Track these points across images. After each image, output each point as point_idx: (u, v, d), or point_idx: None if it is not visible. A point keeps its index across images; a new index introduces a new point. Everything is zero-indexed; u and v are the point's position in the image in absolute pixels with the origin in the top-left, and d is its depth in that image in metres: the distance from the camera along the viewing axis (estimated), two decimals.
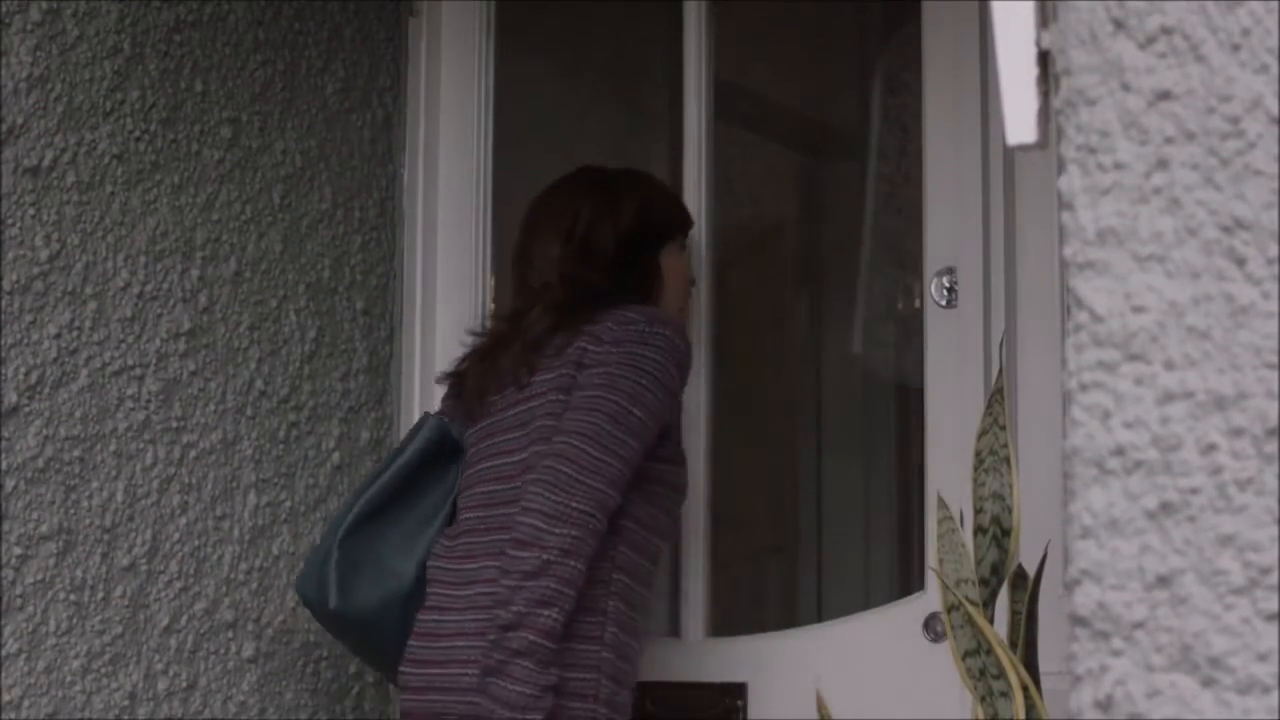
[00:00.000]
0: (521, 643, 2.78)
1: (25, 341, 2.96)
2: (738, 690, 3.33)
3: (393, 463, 3.18)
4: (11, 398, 2.93)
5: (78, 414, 3.04)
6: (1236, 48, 1.22)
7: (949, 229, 3.23)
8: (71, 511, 3.02)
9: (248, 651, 3.29)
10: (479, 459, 3.11)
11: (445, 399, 3.30)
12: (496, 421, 3.09)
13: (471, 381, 3.18)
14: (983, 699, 2.40)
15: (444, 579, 3.04)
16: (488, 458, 3.08)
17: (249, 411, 3.33)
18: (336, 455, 3.50)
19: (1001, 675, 2.36)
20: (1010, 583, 2.51)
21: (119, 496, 3.10)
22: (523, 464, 2.97)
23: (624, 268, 3.17)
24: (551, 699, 2.80)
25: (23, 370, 2.95)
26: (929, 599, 3.15)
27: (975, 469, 2.53)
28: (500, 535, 2.94)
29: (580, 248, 3.16)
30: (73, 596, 3.01)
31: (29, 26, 2.97)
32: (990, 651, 2.37)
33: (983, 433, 2.53)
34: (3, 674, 2.91)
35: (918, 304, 3.45)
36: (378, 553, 3.11)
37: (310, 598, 3.12)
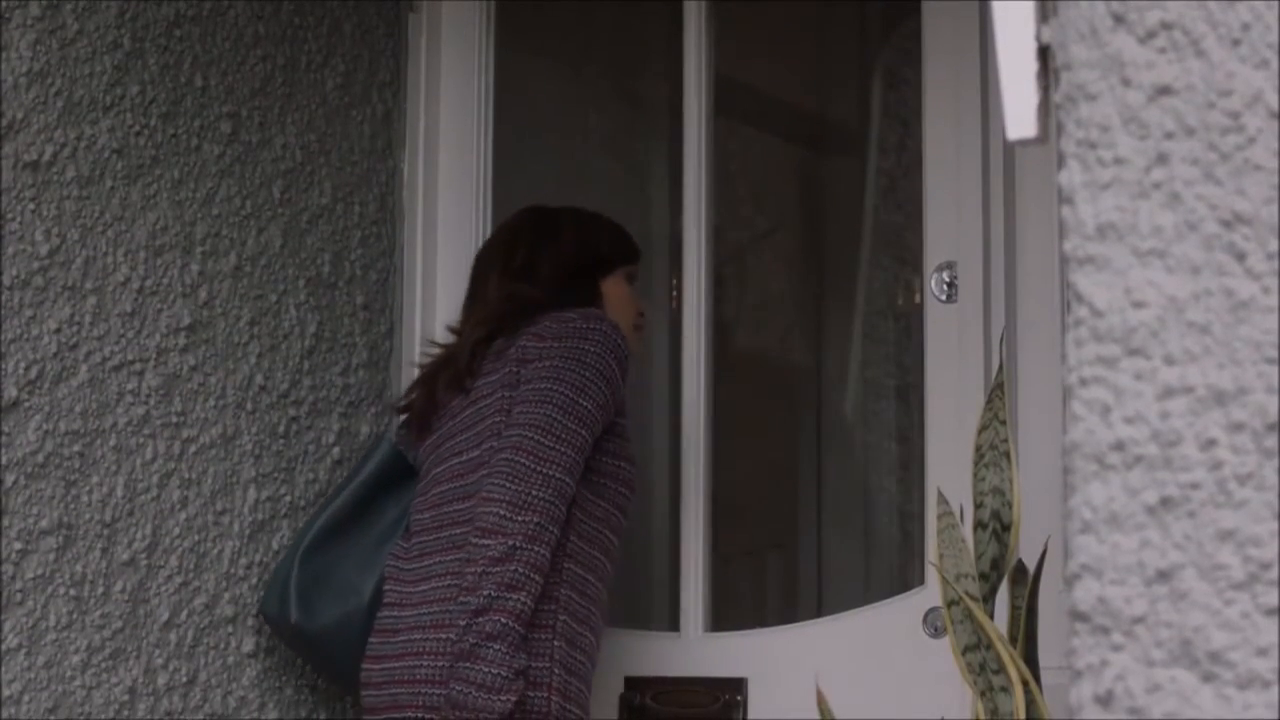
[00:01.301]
0: (494, 626, 2.81)
1: (25, 336, 2.96)
2: (738, 685, 3.33)
3: (350, 482, 3.27)
4: (11, 393, 2.93)
5: (78, 409, 3.04)
6: (1236, 43, 1.22)
7: (949, 224, 3.23)
8: (71, 506, 3.02)
9: (248, 646, 3.30)
10: (431, 468, 3.17)
11: (399, 429, 3.36)
12: (445, 431, 3.15)
13: (418, 403, 3.26)
14: (982, 694, 2.40)
15: (400, 577, 3.10)
16: (439, 463, 3.14)
17: (249, 406, 3.33)
18: (336, 450, 3.50)
19: (1001, 670, 2.36)
20: (1010, 578, 2.51)
21: (119, 491, 3.10)
22: (475, 461, 3.03)
23: (563, 288, 3.22)
24: (523, 682, 2.82)
25: (23, 365, 2.95)
26: (929, 594, 3.15)
27: (975, 464, 2.53)
28: (454, 530, 2.99)
29: (519, 273, 3.24)
30: (73, 591, 3.01)
31: (29, 21, 2.97)
32: (990, 646, 2.37)
33: (983, 428, 2.53)
34: (3, 669, 2.91)
35: (918, 299, 3.45)
36: (337, 570, 3.18)
37: (272, 614, 3.20)
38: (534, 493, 2.89)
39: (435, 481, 3.13)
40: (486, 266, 3.31)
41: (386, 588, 3.11)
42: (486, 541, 2.87)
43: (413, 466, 3.27)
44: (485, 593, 2.83)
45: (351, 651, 3.12)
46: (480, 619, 2.83)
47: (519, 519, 2.86)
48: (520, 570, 2.84)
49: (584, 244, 3.30)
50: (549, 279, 3.22)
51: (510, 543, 2.85)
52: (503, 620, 2.82)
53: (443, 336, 3.38)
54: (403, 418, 3.33)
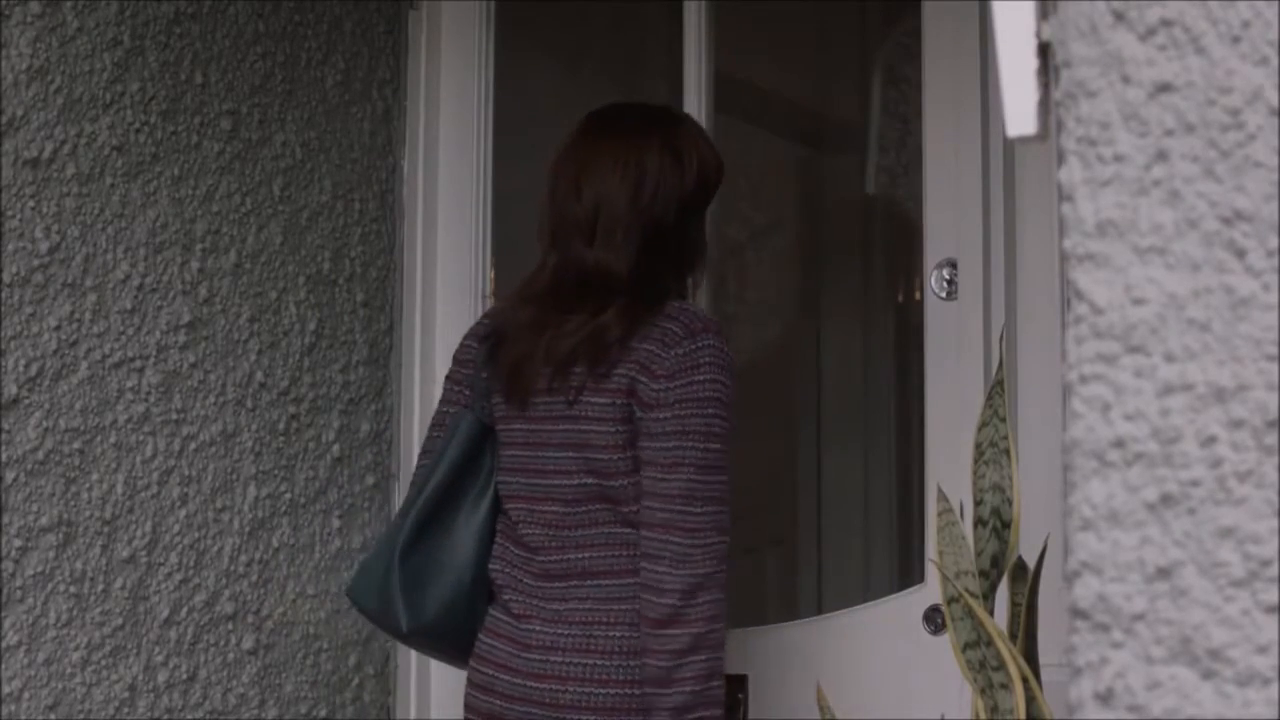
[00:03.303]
0: (710, 714, 2.78)
1: (25, 334, 2.96)
2: (738, 682, 3.33)
3: (437, 468, 3.03)
4: (11, 390, 2.93)
5: (78, 406, 3.04)
6: (1237, 40, 1.22)
7: (949, 221, 3.23)
8: (71, 504, 3.02)
9: (248, 643, 3.30)
10: (525, 467, 2.96)
11: (471, 344, 3.08)
12: (540, 430, 2.94)
13: (514, 359, 2.96)
14: (982, 691, 2.40)
15: (522, 589, 2.93)
16: (537, 471, 2.94)
17: (249, 404, 3.34)
18: (336, 447, 3.51)
19: (1001, 667, 2.36)
20: (1010, 575, 2.51)
21: (119, 489, 3.10)
22: (584, 491, 2.85)
23: (679, 246, 2.96)
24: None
25: (23, 362, 2.95)
26: (929, 591, 3.16)
27: (975, 461, 2.53)
28: (574, 554, 2.86)
29: (649, 215, 2.92)
30: (73, 589, 3.02)
31: (29, 18, 2.97)
32: (990, 643, 2.37)
33: (983, 425, 2.53)
34: (2, 666, 2.91)
35: (918, 296, 3.45)
36: (438, 562, 3.01)
37: (373, 615, 3.03)
38: (701, 571, 2.77)
39: (537, 496, 2.94)
40: (601, 171, 2.94)
41: (506, 596, 2.94)
42: (668, 633, 2.76)
43: (489, 431, 3.02)
44: (687, 690, 2.75)
45: (459, 635, 2.98)
46: (690, 717, 2.78)
47: (696, 603, 2.75)
48: (706, 657, 2.76)
49: (703, 179, 2.98)
50: (671, 233, 2.93)
51: (693, 630, 2.75)
52: (712, 712, 2.77)
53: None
54: (482, 373, 3.03)
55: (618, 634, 2.82)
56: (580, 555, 2.86)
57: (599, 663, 2.82)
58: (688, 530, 2.77)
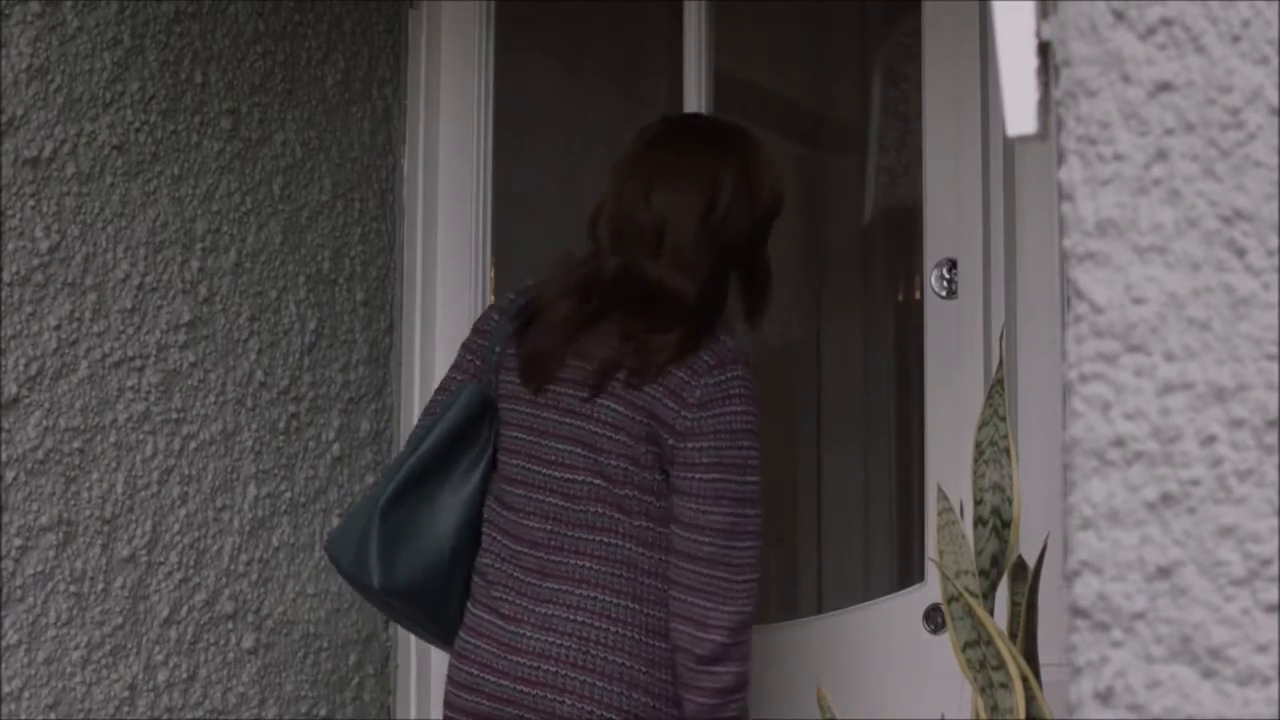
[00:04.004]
0: (738, 709, 2.80)
1: (25, 333, 2.96)
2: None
3: (432, 431, 2.98)
4: (11, 389, 2.93)
5: (78, 405, 3.04)
6: (1237, 39, 1.22)
7: (949, 220, 3.23)
8: (71, 503, 3.02)
9: (248, 643, 3.30)
10: (528, 452, 2.92)
11: (494, 316, 3.03)
12: (547, 418, 2.90)
13: (541, 347, 2.92)
14: (982, 690, 2.40)
15: (514, 586, 2.90)
16: (540, 459, 2.91)
17: (249, 403, 3.34)
18: (336, 446, 3.51)
19: (1001, 666, 2.36)
20: (1010, 574, 2.51)
21: (119, 488, 3.10)
22: (588, 489, 2.83)
23: (748, 273, 2.96)
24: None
25: (23, 361, 2.95)
26: (929, 590, 3.16)
27: (975, 460, 2.53)
28: (577, 560, 2.83)
29: (719, 237, 2.86)
30: (73, 588, 3.02)
31: (29, 18, 2.97)
32: (990, 643, 2.37)
33: (983, 424, 2.53)
34: (3, 665, 2.91)
35: (918, 295, 3.45)
36: (417, 523, 2.96)
37: (345, 568, 2.98)
38: (744, 609, 2.79)
39: (539, 484, 2.91)
40: (676, 185, 2.88)
41: (496, 594, 2.91)
42: (716, 670, 2.78)
43: (491, 405, 2.98)
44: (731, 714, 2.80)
45: (437, 603, 2.95)
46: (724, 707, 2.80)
47: (742, 639, 2.78)
48: (748, 672, 2.81)
49: (773, 207, 2.93)
50: (740, 254, 2.91)
51: (737, 669, 2.78)
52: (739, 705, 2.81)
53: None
54: (509, 349, 2.98)
55: (620, 660, 2.80)
56: (578, 561, 2.84)
57: (600, 685, 2.80)
58: (734, 566, 2.78)
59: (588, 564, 2.84)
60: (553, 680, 2.81)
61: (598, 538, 2.84)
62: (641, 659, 2.80)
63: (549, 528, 2.88)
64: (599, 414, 2.85)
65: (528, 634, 2.85)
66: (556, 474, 2.88)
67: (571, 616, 2.82)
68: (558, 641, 2.82)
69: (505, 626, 2.88)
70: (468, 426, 2.99)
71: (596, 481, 2.85)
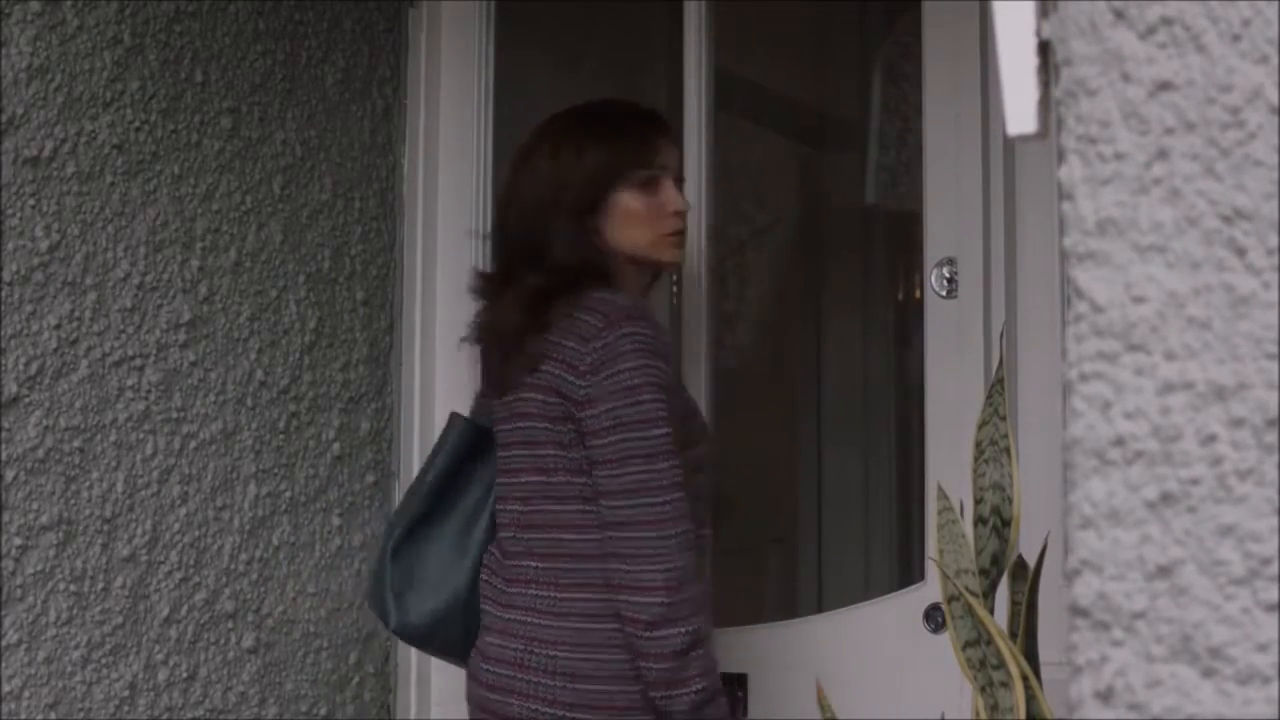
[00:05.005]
0: (719, 706, 2.77)
1: (25, 332, 2.96)
2: (738, 681, 3.33)
3: (429, 470, 3.06)
4: (12, 388, 2.93)
5: (78, 404, 3.04)
6: (1237, 38, 1.22)
7: (949, 219, 3.23)
8: (72, 502, 3.02)
9: (248, 642, 3.30)
10: (500, 469, 3.00)
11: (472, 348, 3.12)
12: (501, 429, 2.98)
13: (488, 362, 3.04)
14: (983, 689, 2.40)
15: (491, 596, 2.95)
16: (504, 471, 2.98)
17: (249, 402, 3.34)
18: (337, 446, 3.51)
19: (1002, 665, 2.36)
20: (1010, 573, 2.51)
21: (119, 487, 3.10)
22: (532, 488, 2.87)
23: (580, 232, 2.96)
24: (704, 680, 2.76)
25: (23, 361, 2.95)
26: (929, 589, 3.16)
27: (975, 459, 2.53)
28: (526, 561, 2.86)
29: (545, 206, 2.95)
30: (73, 587, 3.02)
31: (29, 17, 2.97)
32: (990, 642, 2.37)
33: (983, 423, 2.53)
34: (3, 665, 2.91)
35: (918, 294, 3.45)
36: (427, 563, 3.01)
37: (378, 613, 3.04)
38: (670, 564, 2.74)
39: (506, 495, 2.97)
40: (517, 174, 3.03)
41: (487, 606, 2.95)
42: (666, 633, 2.73)
43: (488, 434, 3.04)
44: (696, 685, 2.73)
45: (458, 639, 2.97)
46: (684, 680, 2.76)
47: (683, 597, 2.73)
48: (705, 628, 2.76)
49: (564, 187, 2.99)
50: (569, 222, 2.96)
51: (688, 626, 2.73)
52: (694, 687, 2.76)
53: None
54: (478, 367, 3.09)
55: (560, 654, 2.81)
56: (530, 563, 2.87)
57: (544, 681, 2.81)
58: (656, 523, 2.75)
59: (536, 564, 2.86)
60: (504, 683, 2.84)
61: (544, 535, 2.86)
62: (584, 646, 2.80)
63: (513, 534, 2.93)
64: (525, 408, 2.88)
65: (491, 640, 2.89)
66: (512, 480, 2.94)
67: (523, 619, 2.85)
68: (509, 644, 2.85)
69: (482, 636, 2.93)
70: (459, 464, 3.03)
71: (536, 479, 2.88)
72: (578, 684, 2.80)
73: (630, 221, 2.96)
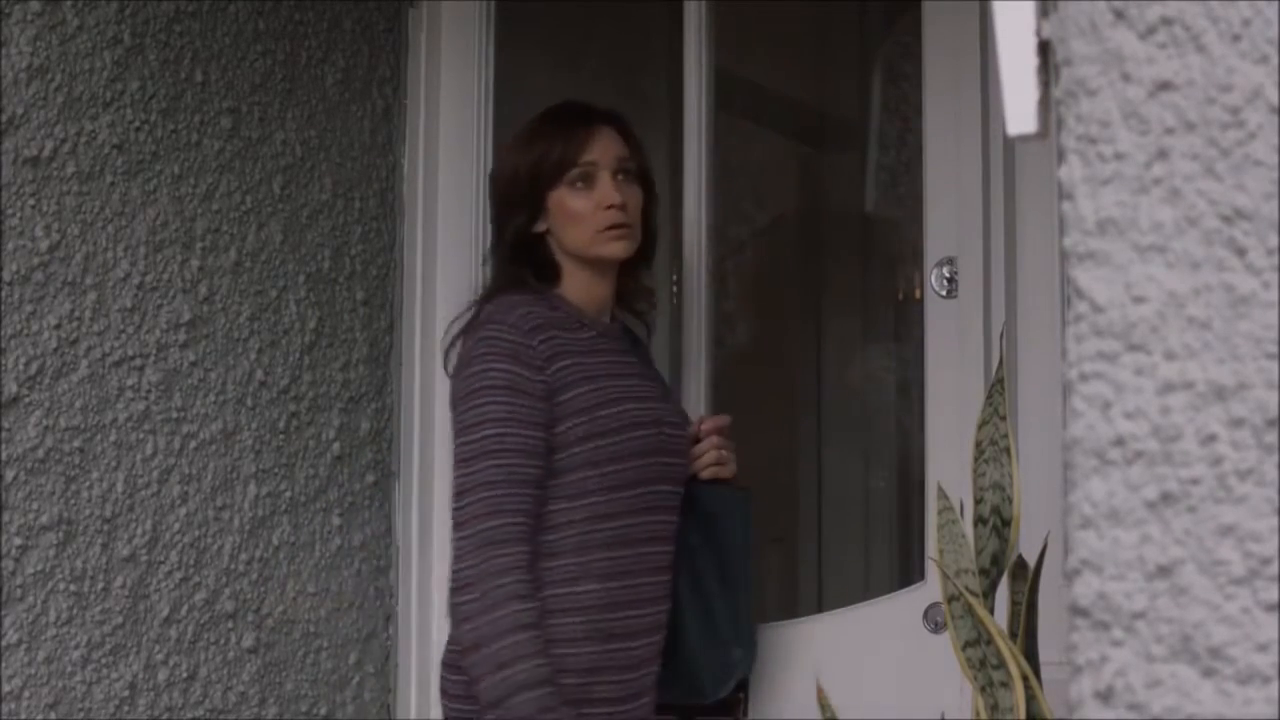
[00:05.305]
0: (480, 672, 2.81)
1: (25, 332, 2.96)
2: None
3: None
4: (11, 388, 2.93)
5: (78, 404, 3.04)
6: (1237, 38, 1.22)
7: (949, 219, 3.23)
8: (72, 502, 3.02)
9: (248, 642, 3.30)
10: None
11: None
12: None
13: None
14: (983, 689, 2.40)
15: None
16: None
17: (249, 402, 3.33)
18: (337, 445, 3.51)
19: (1002, 665, 2.36)
20: (1010, 573, 2.51)
21: (119, 487, 3.10)
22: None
23: (519, 238, 3.02)
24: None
25: (23, 361, 2.95)
26: (929, 589, 3.15)
27: (975, 459, 2.53)
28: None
29: (493, 216, 3.09)
30: (73, 587, 3.02)
31: (29, 16, 2.97)
32: (990, 642, 2.37)
33: (983, 423, 2.53)
34: (3, 665, 2.91)
35: (918, 294, 3.45)
36: None
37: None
38: (463, 565, 2.78)
39: None
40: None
41: None
42: (458, 630, 2.80)
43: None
44: (482, 684, 2.74)
45: None
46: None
47: (459, 600, 2.78)
48: (480, 633, 2.75)
49: (505, 171, 3.07)
50: (499, 234, 3.06)
51: (463, 628, 2.76)
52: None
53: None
54: None
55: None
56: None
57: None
58: (459, 524, 2.81)
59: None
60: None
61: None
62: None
63: None
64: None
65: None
66: None
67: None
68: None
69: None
70: None
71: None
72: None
73: (568, 221, 3.00)
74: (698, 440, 3.07)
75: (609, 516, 2.87)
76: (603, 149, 3.01)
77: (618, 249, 3.00)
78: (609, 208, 2.97)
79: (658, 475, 2.95)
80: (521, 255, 3.01)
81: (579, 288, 3.01)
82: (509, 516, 2.78)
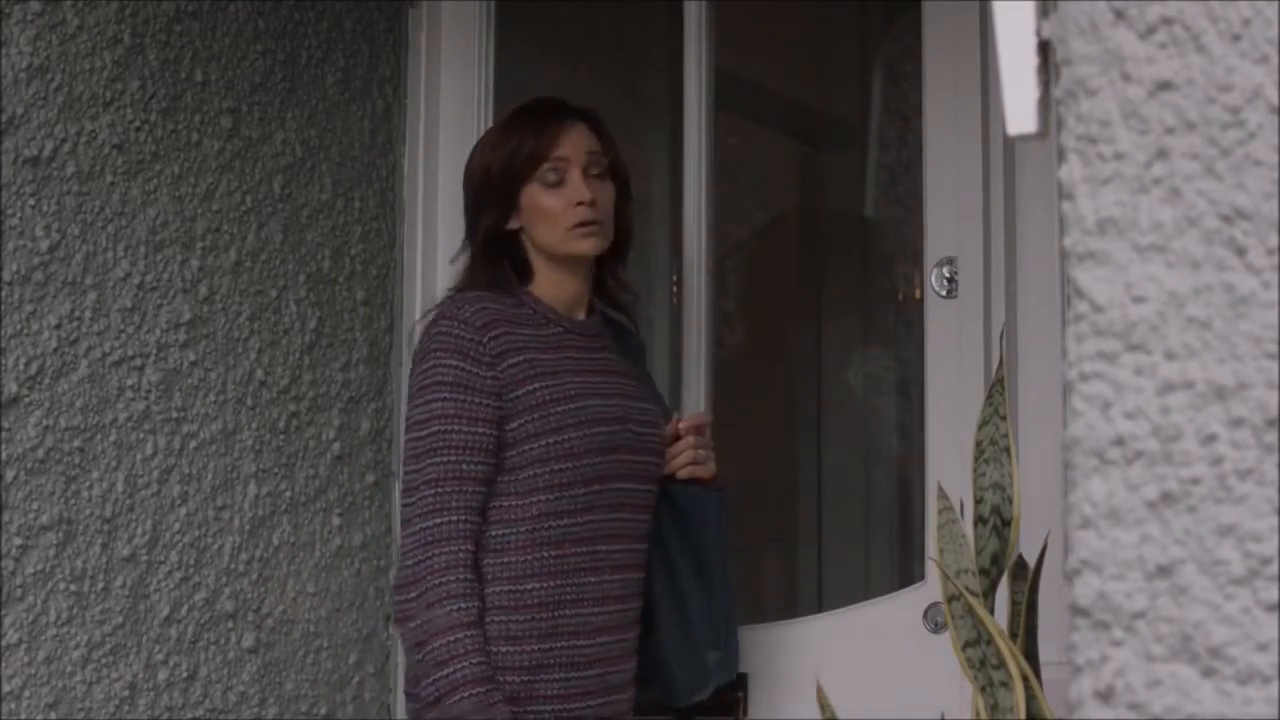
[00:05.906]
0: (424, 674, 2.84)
1: (25, 332, 2.96)
2: (739, 680, 3.33)
3: None
4: (12, 388, 2.93)
5: (78, 404, 3.04)
6: (1237, 38, 1.22)
7: (949, 219, 3.23)
8: (72, 502, 3.02)
9: (248, 642, 3.30)
10: None
11: None
12: None
13: None
14: (983, 689, 2.40)
15: None
16: None
17: (249, 402, 3.33)
18: (337, 445, 3.50)
19: (1002, 665, 2.36)
20: (1010, 573, 2.51)
21: (119, 487, 3.10)
22: None
23: (490, 236, 3.07)
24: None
25: (23, 361, 2.95)
26: (929, 589, 3.16)
27: (975, 459, 2.52)
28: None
29: (467, 215, 3.14)
30: (73, 587, 3.02)
31: (29, 16, 2.97)
32: (990, 642, 2.37)
33: (983, 423, 2.53)
34: (3, 664, 2.91)
35: (918, 294, 3.45)
36: None
37: None
38: (407, 563, 2.81)
39: None
40: None
41: None
42: (400, 630, 2.87)
43: None
44: (423, 683, 2.78)
45: None
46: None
47: (399, 598, 2.81)
48: (419, 633, 2.78)
49: (469, 198, 3.12)
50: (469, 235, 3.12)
51: (403, 626, 2.81)
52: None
53: None
54: None
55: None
56: None
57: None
58: (405, 522, 2.85)
59: None
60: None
61: None
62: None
63: None
64: None
65: None
66: None
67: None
68: None
69: None
70: None
71: None
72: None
73: (540, 218, 3.02)
74: (677, 439, 3.06)
75: (558, 514, 2.87)
76: (574, 145, 3.02)
77: (587, 246, 3.00)
78: (579, 204, 2.98)
79: (620, 473, 2.94)
80: (492, 252, 3.03)
81: (550, 284, 3.03)
82: (451, 514, 2.80)
